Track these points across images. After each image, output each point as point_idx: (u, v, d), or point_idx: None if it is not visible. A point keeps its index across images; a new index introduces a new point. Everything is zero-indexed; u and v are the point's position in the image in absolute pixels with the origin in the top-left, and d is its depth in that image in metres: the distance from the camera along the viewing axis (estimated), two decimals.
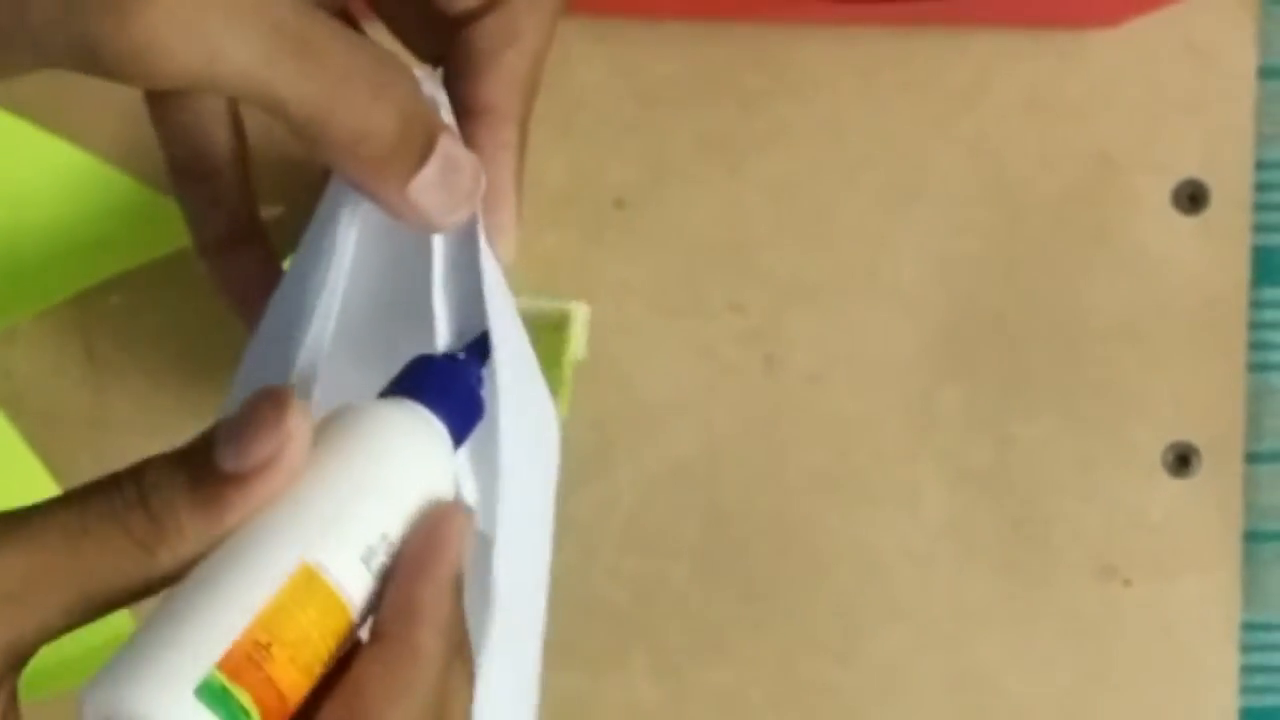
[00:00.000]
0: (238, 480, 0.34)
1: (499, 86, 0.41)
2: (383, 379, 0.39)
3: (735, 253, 0.65)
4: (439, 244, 0.40)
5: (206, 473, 0.35)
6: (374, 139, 0.36)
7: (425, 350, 0.39)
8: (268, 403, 0.34)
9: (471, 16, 0.42)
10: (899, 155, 0.65)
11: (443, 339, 0.39)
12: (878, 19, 0.64)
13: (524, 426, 0.41)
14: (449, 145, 0.38)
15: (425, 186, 0.37)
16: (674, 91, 0.65)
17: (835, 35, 0.65)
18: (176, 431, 0.68)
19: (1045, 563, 0.65)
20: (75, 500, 0.35)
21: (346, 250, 0.39)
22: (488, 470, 0.40)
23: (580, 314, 0.60)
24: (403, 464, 0.36)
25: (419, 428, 0.37)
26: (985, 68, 0.65)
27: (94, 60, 0.33)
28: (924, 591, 0.65)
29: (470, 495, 0.40)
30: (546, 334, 0.51)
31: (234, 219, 0.43)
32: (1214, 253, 0.65)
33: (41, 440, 0.60)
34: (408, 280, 0.40)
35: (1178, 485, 0.65)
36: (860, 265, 0.65)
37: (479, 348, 0.40)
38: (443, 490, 0.37)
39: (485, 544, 0.40)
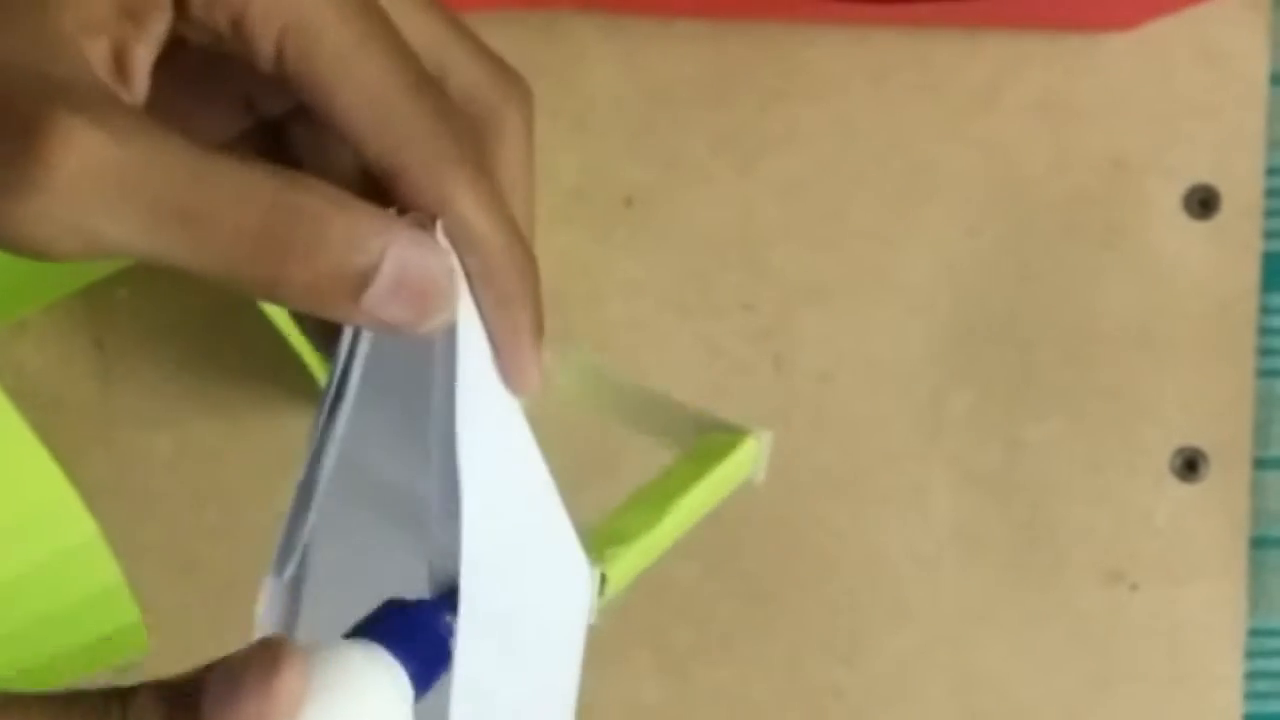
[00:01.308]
0: None
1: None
2: (385, 519, 0.39)
3: (746, 252, 0.65)
4: (440, 372, 0.38)
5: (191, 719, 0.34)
6: (294, 282, 0.35)
7: (422, 478, 0.38)
8: (262, 659, 0.34)
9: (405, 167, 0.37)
10: (911, 156, 0.65)
11: (436, 477, 0.38)
12: (891, 20, 0.64)
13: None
14: (402, 254, 0.35)
15: (378, 303, 0.35)
16: (686, 91, 0.65)
17: (848, 36, 0.65)
18: (185, 425, 0.68)
19: (1052, 566, 0.65)
20: (60, 706, 0.34)
21: (355, 365, 0.38)
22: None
23: (761, 442, 0.51)
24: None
25: (380, 678, 0.36)
26: (998, 70, 0.65)
27: None
28: (931, 593, 0.65)
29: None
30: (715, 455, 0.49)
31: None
32: (1224, 258, 0.65)
33: (50, 432, 0.60)
34: (417, 400, 0.39)
35: (1185, 490, 0.65)
36: (871, 265, 0.65)
37: (451, 595, 0.38)
38: None
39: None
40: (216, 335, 0.64)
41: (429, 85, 0.37)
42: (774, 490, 0.65)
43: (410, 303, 0.36)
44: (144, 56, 0.36)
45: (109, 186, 0.33)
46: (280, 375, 0.64)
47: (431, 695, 0.38)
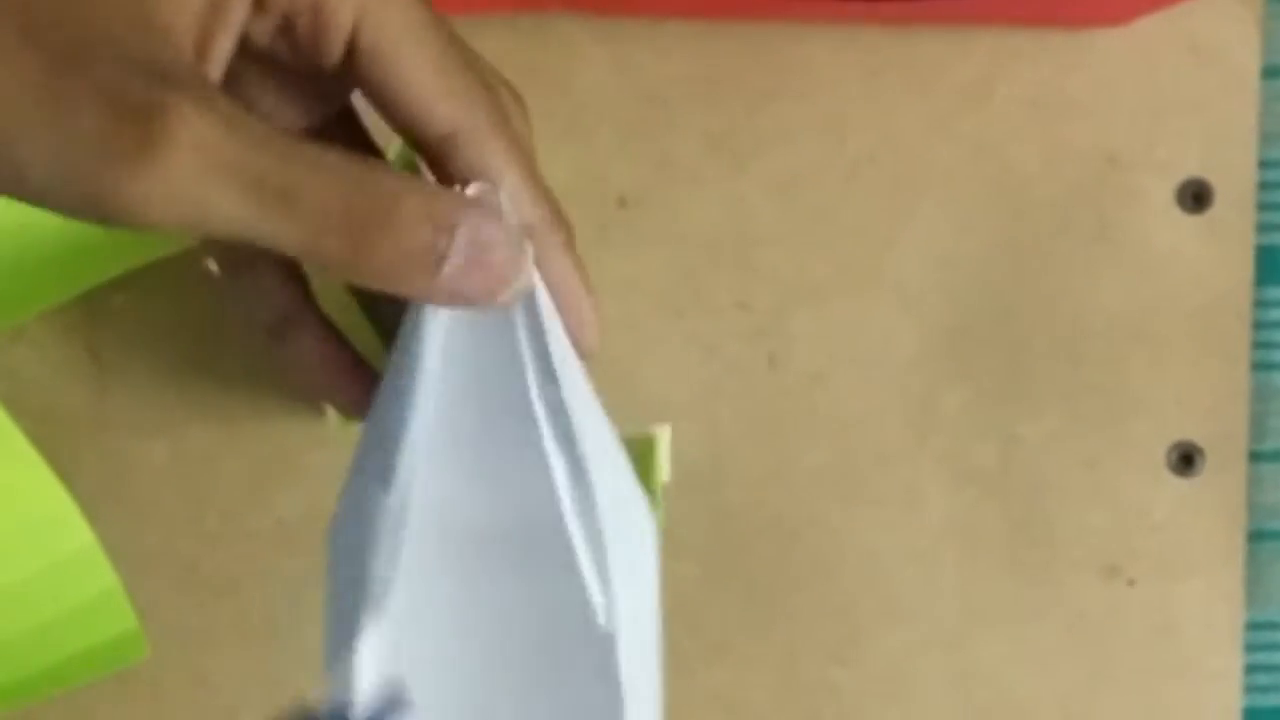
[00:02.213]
0: None
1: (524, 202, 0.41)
2: (489, 483, 0.39)
3: (739, 251, 0.65)
4: (523, 338, 0.39)
5: None
6: (376, 259, 0.37)
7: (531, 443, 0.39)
8: None
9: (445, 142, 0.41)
10: (903, 154, 0.65)
11: (545, 434, 0.39)
12: (882, 18, 0.64)
13: (625, 532, 0.41)
14: (473, 229, 0.38)
15: (453, 278, 0.38)
16: (677, 91, 0.65)
17: (839, 34, 0.65)
18: (180, 432, 0.68)
19: (1048, 562, 0.65)
20: None
21: (434, 351, 0.39)
22: (605, 568, 0.40)
23: (664, 438, 0.56)
24: None
25: None
26: (989, 67, 0.65)
27: (92, 213, 0.37)
28: (927, 591, 0.65)
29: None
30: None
31: (283, 305, 0.43)
32: (1218, 252, 0.65)
33: (45, 439, 0.60)
34: (505, 370, 0.40)
35: (1181, 485, 0.65)
36: (864, 264, 0.65)
37: (346, 710, 0.39)
38: None
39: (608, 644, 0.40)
40: (212, 342, 0.64)
41: (476, 62, 0.41)
42: (769, 489, 0.65)
43: (487, 273, 0.38)
44: (224, 45, 0.39)
45: (217, 164, 0.36)
46: (276, 381, 0.64)
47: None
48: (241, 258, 0.43)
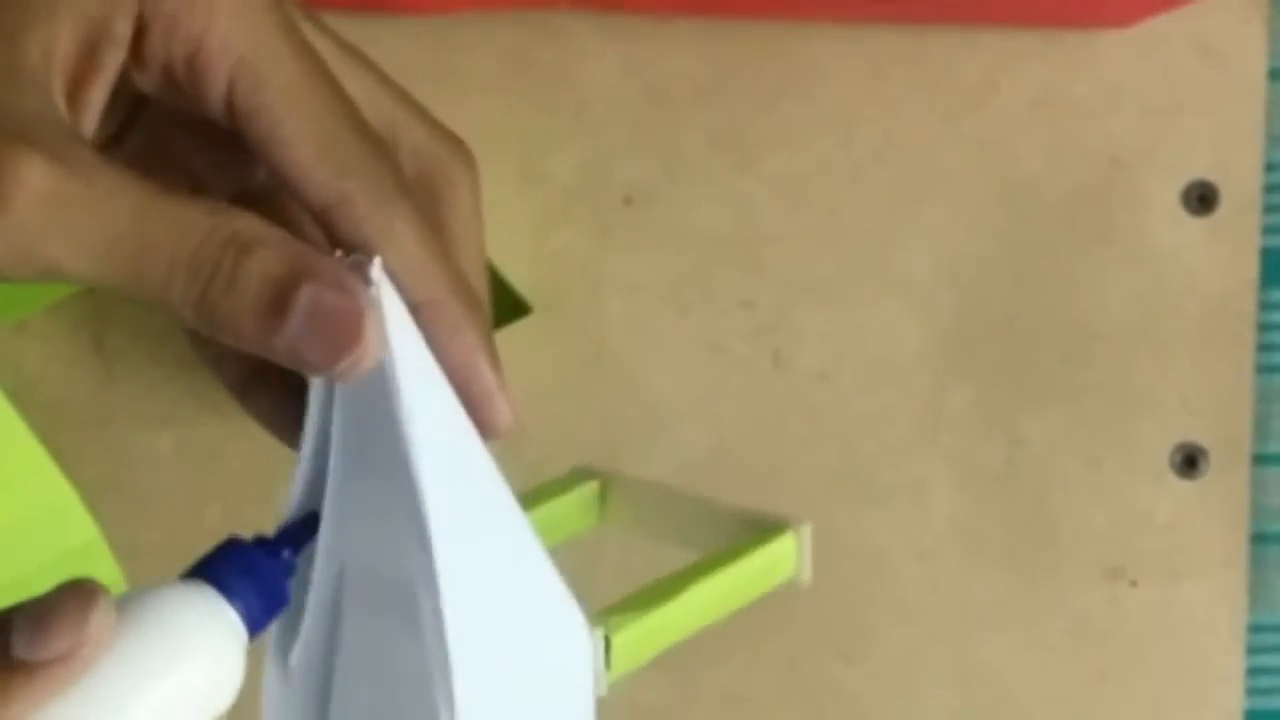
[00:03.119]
0: (26, 670, 0.34)
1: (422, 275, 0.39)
2: (381, 555, 0.38)
3: (744, 250, 0.65)
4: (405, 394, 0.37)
5: None
6: (218, 314, 0.36)
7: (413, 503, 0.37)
8: (72, 596, 0.34)
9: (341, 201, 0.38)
10: (908, 153, 0.65)
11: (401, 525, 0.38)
12: (889, 17, 0.64)
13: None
14: (314, 294, 0.36)
15: (290, 341, 0.36)
16: (684, 89, 0.65)
17: (845, 33, 0.65)
18: (185, 424, 0.68)
19: (1052, 563, 0.65)
20: None
21: (334, 418, 0.38)
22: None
23: (805, 535, 0.49)
24: (186, 669, 0.35)
25: (206, 618, 0.36)
26: (995, 67, 0.65)
27: None
28: (931, 590, 0.65)
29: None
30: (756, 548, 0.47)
31: (243, 365, 0.43)
32: (1223, 254, 0.65)
33: (50, 432, 0.60)
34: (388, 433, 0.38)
35: (1185, 486, 0.65)
36: (869, 263, 0.65)
37: (297, 531, 0.38)
38: (226, 690, 0.36)
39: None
40: None
41: (370, 127, 0.38)
42: (774, 487, 0.65)
43: (322, 340, 0.36)
44: (97, 94, 0.37)
45: (63, 217, 0.35)
46: None
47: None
48: None
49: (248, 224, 0.36)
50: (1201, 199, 0.65)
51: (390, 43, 0.64)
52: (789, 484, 0.65)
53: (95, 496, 0.52)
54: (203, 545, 0.37)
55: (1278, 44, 0.65)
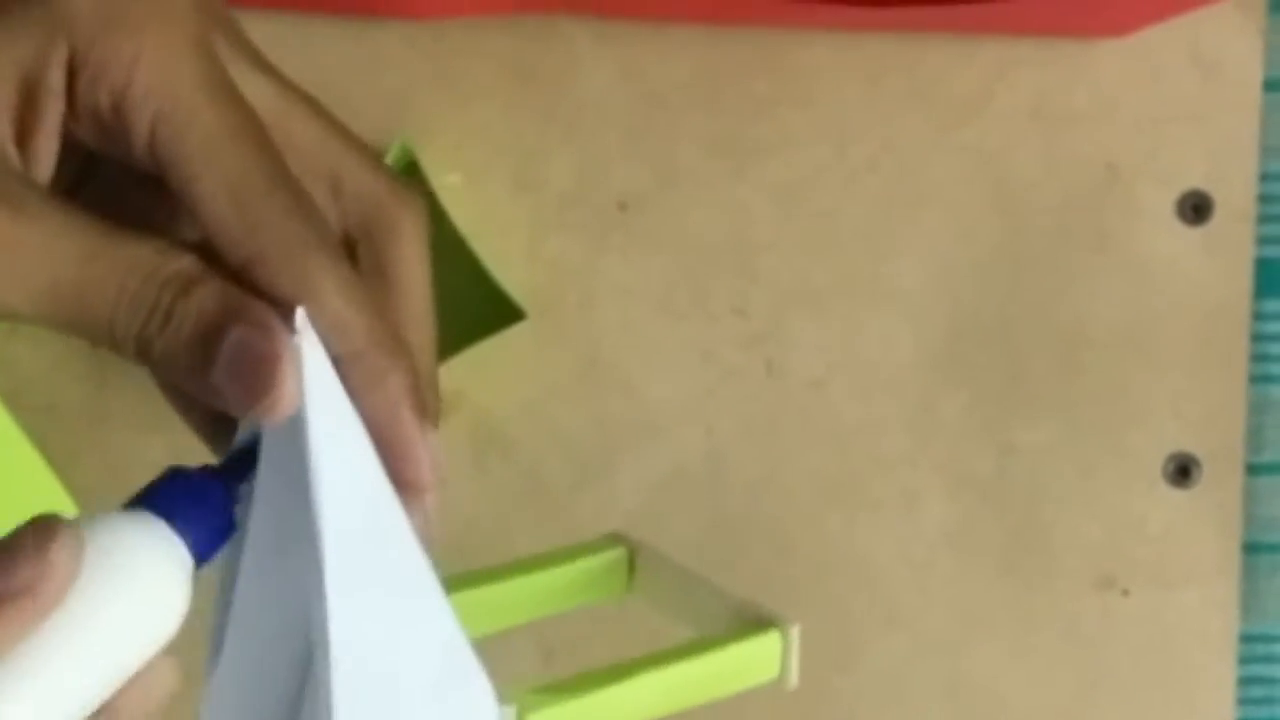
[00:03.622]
0: None
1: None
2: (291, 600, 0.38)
3: (738, 257, 0.65)
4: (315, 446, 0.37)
5: None
6: (155, 352, 0.37)
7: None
8: (34, 530, 0.35)
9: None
10: (903, 161, 0.65)
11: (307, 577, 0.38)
12: (884, 25, 0.64)
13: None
14: (240, 337, 0.36)
15: (219, 380, 0.37)
16: (679, 95, 0.65)
17: (841, 41, 0.65)
18: (178, 427, 0.68)
19: (1044, 571, 0.65)
20: None
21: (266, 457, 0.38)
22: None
23: (793, 637, 0.47)
24: (132, 599, 0.36)
25: (155, 548, 0.36)
26: (991, 76, 0.65)
27: None
28: (923, 598, 0.65)
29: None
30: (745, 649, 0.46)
31: (211, 411, 0.43)
32: (1217, 264, 0.65)
33: (43, 434, 0.60)
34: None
35: (1178, 496, 0.65)
36: (863, 270, 0.65)
37: (240, 461, 0.38)
38: (171, 620, 0.36)
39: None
40: None
41: (290, 180, 0.38)
42: (767, 494, 0.65)
43: (242, 381, 0.37)
44: (46, 143, 0.38)
45: (5, 259, 0.36)
46: None
47: None
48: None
49: (190, 264, 0.37)
50: (1196, 209, 0.65)
51: (387, 49, 0.64)
52: (781, 491, 0.65)
53: (89, 500, 0.52)
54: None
55: (1273, 55, 0.65)
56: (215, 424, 0.41)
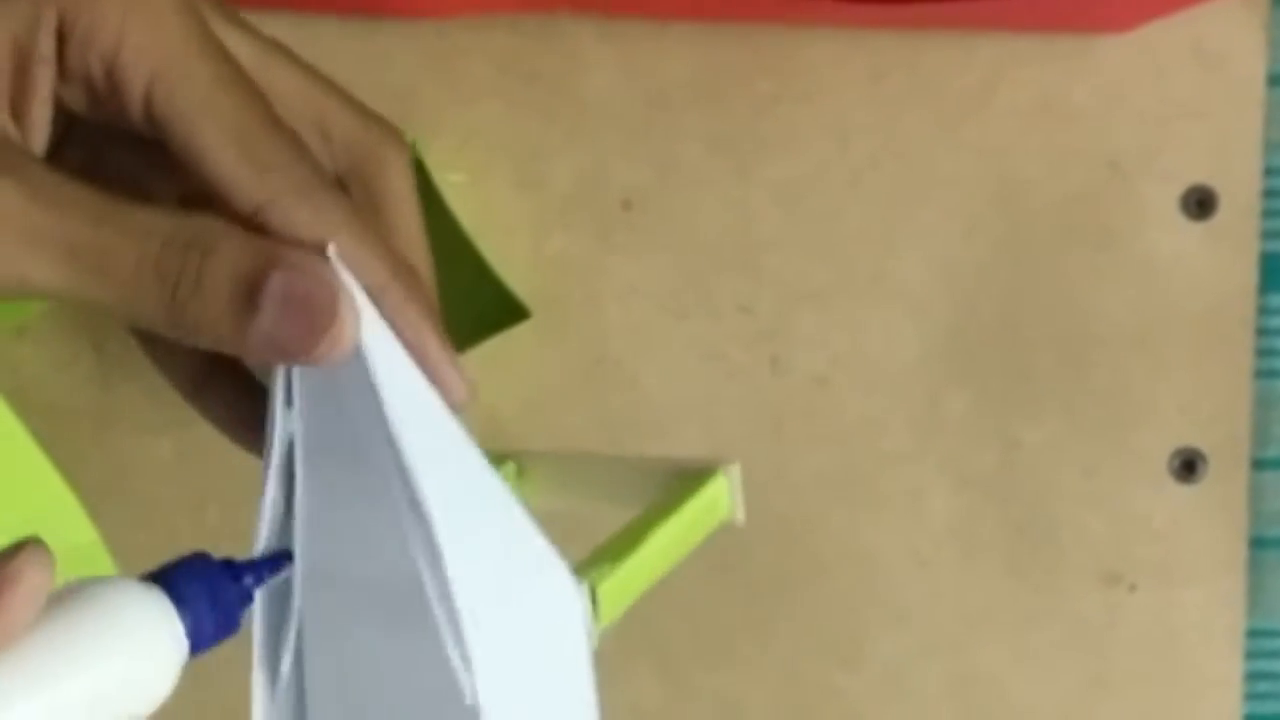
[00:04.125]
0: None
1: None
2: (364, 548, 0.38)
3: (742, 255, 0.65)
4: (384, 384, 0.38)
5: None
6: (188, 317, 0.37)
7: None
8: (6, 554, 0.34)
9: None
10: (906, 158, 0.65)
11: (394, 500, 0.38)
12: (887, 22, 0.64)
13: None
14: (285, 283, 0.36)
15: (264, 333, 0.37)
16: (682, 93, 0.65)
17: (844, 38, 0.65)
18: (184, 428, 0.68)
19: (1050, 568, 0.66)
20: None
21: (296, 414, 0.39)
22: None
23: (733, 475, 0.50)
24: (115, 663, 0.35)
25: (152, 623, 0.36)
26: (993, 72, 0.65)
27: None
28: (928, 595, 0.65)
29: None
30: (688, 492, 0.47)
31: (194, 367, 0.42)
32: (1222, 259, 0.65)
33: (49, 436, 0.60)
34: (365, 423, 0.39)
35: (1183, 491, 0.65)
36: (867, 268, 0.65)
37: (270, 563, 0.39)
38: (154, 691, 0.36)
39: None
40: None
41: (284, 124, 0.38)
42: (772, 493, 0.65)
43: (298, 324, 0.36)
44: (40, 111, 0.38)
45: (23, 232, 0.36)
46: None
47: None
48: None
49: (207, 224, 0.37)
50: (1200, 204, 0.65)
51: (389, 47, 0.64)
52: (786, 488, 0.65)
53: (95, 500, 0.52)
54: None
55: (1277, 49, 0.65)
56: (198, 379, 0.42)
